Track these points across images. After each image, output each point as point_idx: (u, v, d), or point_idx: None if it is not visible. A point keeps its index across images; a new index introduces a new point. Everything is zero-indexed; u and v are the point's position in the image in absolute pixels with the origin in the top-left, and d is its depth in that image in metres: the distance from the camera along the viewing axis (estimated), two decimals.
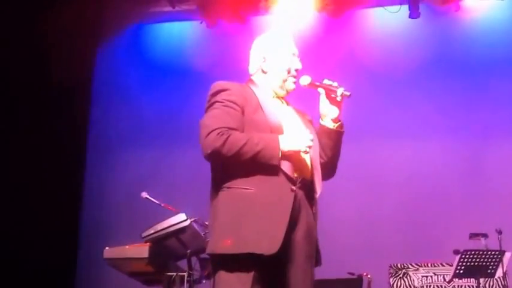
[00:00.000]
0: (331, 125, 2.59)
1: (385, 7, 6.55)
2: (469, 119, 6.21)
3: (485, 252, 4.65)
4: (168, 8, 6.80)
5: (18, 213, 5.69)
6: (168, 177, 6.35)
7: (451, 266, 4.80)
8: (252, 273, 2.29)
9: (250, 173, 2.36)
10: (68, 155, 6.36)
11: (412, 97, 6.34)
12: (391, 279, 5.31)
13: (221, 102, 2.45)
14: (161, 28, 7.22)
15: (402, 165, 6.20)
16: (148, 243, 3.96)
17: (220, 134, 2.34)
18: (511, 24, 6.39)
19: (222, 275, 2.34)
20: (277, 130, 2.44)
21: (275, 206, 2.33)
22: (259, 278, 2.30)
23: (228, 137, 2.34)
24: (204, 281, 4.10)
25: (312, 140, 2.42)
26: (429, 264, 5.31)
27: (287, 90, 2.65)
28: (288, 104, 2.69)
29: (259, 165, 2.35)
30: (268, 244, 2.28)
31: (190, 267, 3.98)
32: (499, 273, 4.71)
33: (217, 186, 2.44)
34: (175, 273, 3.99)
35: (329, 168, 2.63)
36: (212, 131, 2.35)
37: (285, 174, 2.38)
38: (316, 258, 2.50)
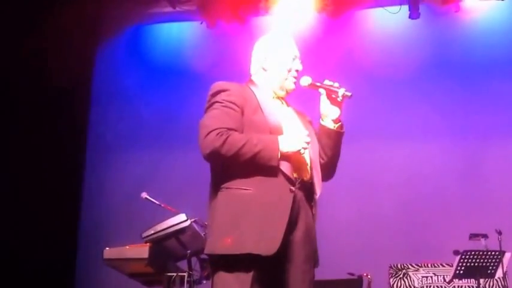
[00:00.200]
0: (332, 126, 2.60)
1: (385, 8, 6.55)
2: (469, 120, 6.21)
3: (485, 253, 4.65)
4: (168, 9, 6.80)
5: (18, 214, 5.69)
6: (167, 178, 6.35)
7: (451, 266, 4.80)
8: (251, 274, 2.29)
9: (249, 174, 2.36)
10: (67, 156, 6.37)
11: (412, 98, 6.34)
12: (391, 280, 5.31)
13: (221, 102, 2.45)
14: (161, 29, 7.22)
15: (402, 166, 6.20)
16: (148, 244, 3.96)
17: (220, 134, 2.34)
18: (511, 25, 6.39)
19: (221, 276, 2.34)
20: (276, 131, 2.44)
21: (274, 206, 2.33)
22: (259, 279, 2.30)
23: (227, 137, 2.34)
24: (204, 282, 4.11)
25: (308, 138, 2.42)
26: (429, 265, 5.31)
27: (287, 90, 2.65)
28: (287, 104, 2.69)
29: (258, 165, 2.35)
30: (266, 244, 2.28)
31: (190, 268, 3.99)
32: (499, 273, 4.71)
33: (216, 186, 2.44)
34: (175, 274, 3.99)
35: (329, 169, 2.63)
36: (211, 131, 2.35)
37: (284, 174, 2.38)
38: (313, 259, 2.50)
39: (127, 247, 4.03)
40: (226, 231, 2.33)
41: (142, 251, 3.95)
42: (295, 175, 2.42)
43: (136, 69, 7.04)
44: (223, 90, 2.49)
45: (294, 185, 2.39)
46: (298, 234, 2.40)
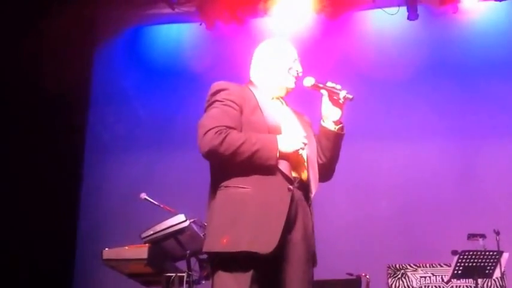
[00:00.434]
0: (332, 127, 2.61)
1: (383, 9, 6.56)
2: (467, 121, 6.22)
3: (483, 253, 4.66)
4: (167, 10, 6.79)
5: (17, 214, 5.69)
6: (165, 179, 6.34)
7: (449, 266, 4.81)
8: (249, 274, 2.29)
9: (248, 172, 2.37)
10: (65, 156, 6.37)
11: (410, 99, 6.35)
12: (389, 280, 5.32)
13: (220, 101, 2.47)
14: (159, 30, 7.23)
15: (400, 167, 6.21)
16: (147, 244, 3.96)
17: (219, 132, 2.36)
18: (508, 26, 6.41)
19: (220, 275, 2.35)
20: (275, 131, 2.45)
21: (272, 204, 2.34)
22: (257, 279, 2.30)
23: (226, 136, 2.35)
24: (203, 282, 4.11)
25: (305, 138, 2.44)
26: (427, 265, 5.32)
27: (287, 89, 2.66)
28: (287, 105, 2.70)
29: (256, 164, 2.36)
30: (264, 243, 2.28)
31: (189, 268, 3.99)
32: (497, 273, 4.72)
33: (215, 185, 2.45)
34: (174, 274, 3.99)
35: (327, 170, 2.64)
36: (210, 129, 2.36)
37: (283, 173, 2.39)
38: (312, 259, 2.50)
39: (126, 247, 4.04)
40: (224, 229, 2.33)
41: (141, 251, 3.95)
42: (293, 174, 2.44)
43: (135, 70, 7.04)
44: (223, 90, 2.50)
45: (292, 184, 2.40)
46: (297, 234, 2.41)
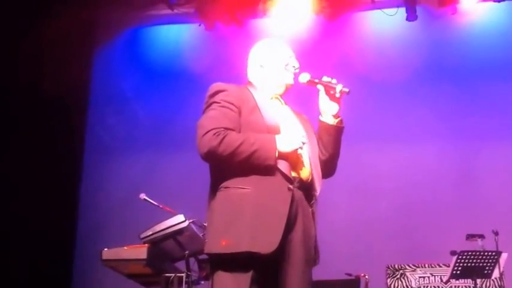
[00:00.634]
0: (332, 121, 2.61)
1: (382, 10, 6.57)
2: (465, 122, 6.22)
3: (481, 253, 4.66)
4: (166, 11, 6.80)
5: (17, 215, 5.69)
6: (165, 180, 6.34)
7: (448, 266, 4.81)
8: (249, 274, 2.30)
9: (248, 173, 2.38)
10: (65, 157, 6.37)
11: (409, 100, 6.35)
12: (388, 280, 5.33)
13: (218, 102, 2.48)
14: (159, 31, 7.22)
15: (398, 168, 6.21)
16: (146, 245, 3.96)
17: (217, 134, 2.36)
18: (507, 28, 6.41)
19: (220, 275, 2.35)
20: (274, 131, 2.45)
21: (272, 204, 2.34)
22: (257, 279, 2.31)
23: (224, 137, 2.36)
24: (202, 282, 4.11)
25: (305, 137, 2.45)
26: (426, 265, 5.33)
27: (286, 86, 2.67)
28: (286, 104, 2.71)
29: (255, 165, 2.37)
30: (265, 243, 2.28)
31: (188, 269, 3.99)
32: (496, 274, 4.73)
33: (215, 186, 2.46)
34: (173, 275, 3.99)
35: (329, 166, 2.65)
36: (209, 131, 2.37)
37: (282, 173, 2.40)
38: (314, 257, 2.50)
39: (125, 248, 4.04)
40: (224, 230, 2.34)
41: (140, 251, 3.95)
42: (293, 174, 2.44)
43: (134, 71, 7.04)
44: (221, 91, 2.51)
45: (292, 184, 2.41)
46: (297, 234, 2.41)
